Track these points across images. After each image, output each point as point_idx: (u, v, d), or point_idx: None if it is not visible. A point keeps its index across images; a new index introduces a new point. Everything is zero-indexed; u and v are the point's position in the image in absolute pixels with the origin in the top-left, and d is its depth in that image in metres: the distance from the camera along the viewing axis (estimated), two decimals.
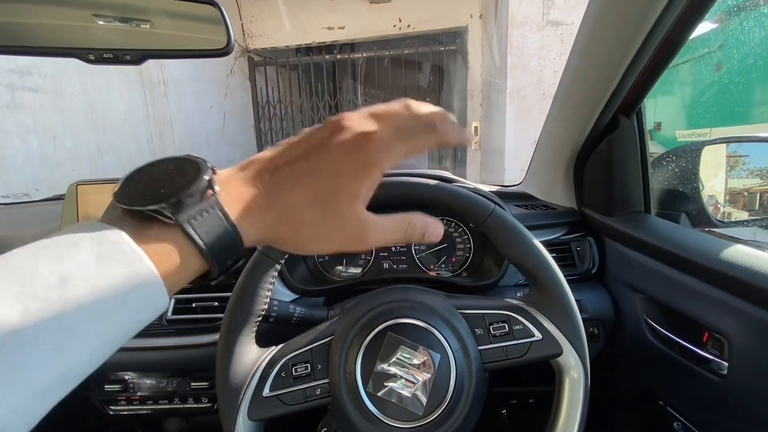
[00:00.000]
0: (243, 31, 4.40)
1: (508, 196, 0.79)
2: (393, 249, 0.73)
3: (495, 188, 0.83)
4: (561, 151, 0.69)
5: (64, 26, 0.45)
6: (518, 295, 0.57)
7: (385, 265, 0.73)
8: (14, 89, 2.26)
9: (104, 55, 0.46)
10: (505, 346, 0.41)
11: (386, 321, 0.41)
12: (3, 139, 2.21)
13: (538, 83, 2.81)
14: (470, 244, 0.72)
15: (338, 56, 4.36)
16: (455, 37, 4.34)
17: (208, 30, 0.50)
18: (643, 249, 0.58)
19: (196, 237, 0.21)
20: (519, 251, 0.42)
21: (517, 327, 0.41)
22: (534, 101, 2.82)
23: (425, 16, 4.17)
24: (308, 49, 4.53)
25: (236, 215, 0.22)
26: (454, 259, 0.72)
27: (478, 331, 0.42)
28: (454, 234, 0.72)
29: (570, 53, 0.58)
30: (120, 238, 0.19)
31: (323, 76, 4.53)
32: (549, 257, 0.42)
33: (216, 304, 0.59)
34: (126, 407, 0.61)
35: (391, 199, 0.45)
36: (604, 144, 0.62)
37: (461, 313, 0.43)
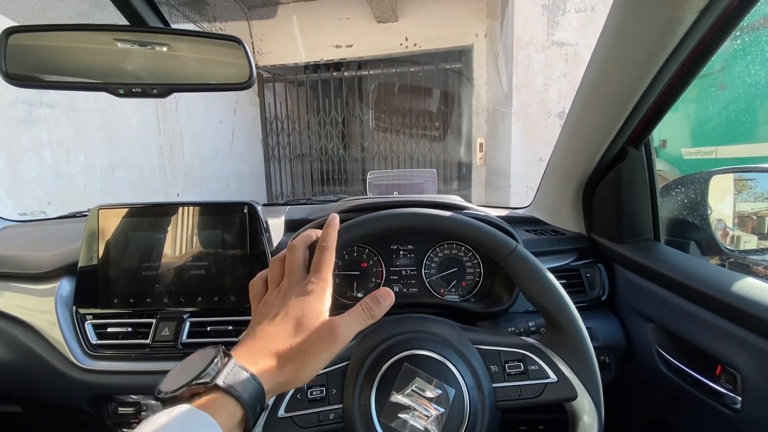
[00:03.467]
0: (253, 48, 4.52)
1: (516, 221, 0.80)
2: (403, 272, 0.74)
3: (504, 212, 0.84)
4: (570, 177, 0.70)
5: (98, 64, 0.48)
6: (530, 324, 0.57)
7: (396, 289, 0.74)
8: (32, 105, 2.32)
9: (133, 90, 0.49)
10: (519, 385, 0.41)
11: (402, 351, 0.42)
12: (19, 154, 2.26)
13: (543, 102, 2.85)
14: (480, 269, 0.72)
15: (345, 73, 4.45)
16: (461, 55, 4.42)
17: (230, 65, 0.52)
18: (653, 277, 0.59)
19: (230, 389, 0.28)
20: (538, 291, 0.43)
21: (533, 367, 0.42)
22: (539, 119, 2.85)
23: (431, 35, 4.26)
24: (316, 66, 4.63)
25: (254, 369, 0.30)
26: (464, 284, 0.73)
27: (493, 368, 0.42)
28: (464, 258, 0.73)
29: (581, 83, 0.59)
30: (183, 407, 0.26)
31: (331, 92, 4.62)
32: (568, 299, 0.43)
33: (230, 328, 0.60)
34: None
35: (411, 230, 0.46)
36: (613, 173, 0.63)
37: (477, 348, 0.44)
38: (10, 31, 0.45)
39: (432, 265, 0.74)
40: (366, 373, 0.41)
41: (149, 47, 0.49)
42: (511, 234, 0.60)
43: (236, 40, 0.51)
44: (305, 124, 4.78)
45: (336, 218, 0.40)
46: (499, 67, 3.42)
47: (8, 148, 2.21)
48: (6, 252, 0.69)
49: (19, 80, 0.46)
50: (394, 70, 4.37)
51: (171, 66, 0.50)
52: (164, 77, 0.50)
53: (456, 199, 0.75)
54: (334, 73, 4.50)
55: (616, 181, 0.63)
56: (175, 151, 3.49)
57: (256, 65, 4.23)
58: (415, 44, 4.34)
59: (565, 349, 0.42)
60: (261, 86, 4.63)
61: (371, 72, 4.44)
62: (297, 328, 0.33)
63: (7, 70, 0.45)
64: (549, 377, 0.41)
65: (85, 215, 1.07)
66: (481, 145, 4.33)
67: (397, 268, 0.74)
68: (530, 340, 0.45)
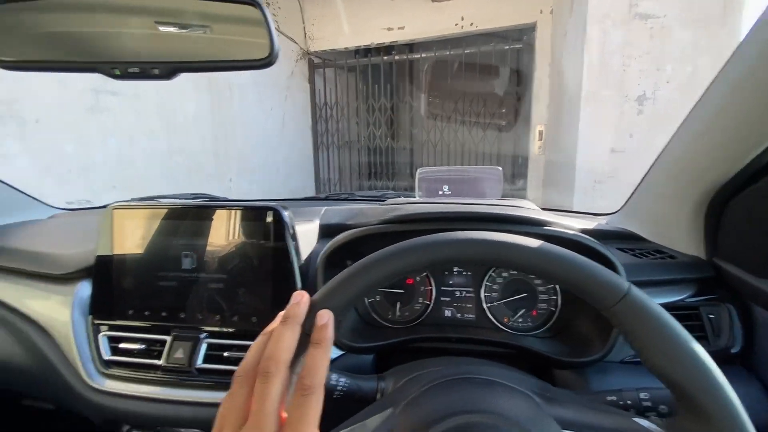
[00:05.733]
0: (305, 33, 4.49)
1: (605, 236, 0.63)
2: (457, 294, 0.61)
3: (587, 222, 0.67)
4: (694, 182, 0.52)
5: (87, 39, 0.39)
6: (642, 396, 0.41)
7: (447, 313, 0.61)
8: (98, 93, 2.44)
9: (129, 70, 0.39)
10: None
11: None
12: (87, 140, 2.40)
13: (620, 84, 2.49)
14: (557, 296, 0.57)
15: (396, 57, 4.27)
16: (522, 34, 4.07)
17: (247, 37, 0.41)
18: None
19: None
20: (669, 357, 0.28)
21: None
22: (614, 105, 2.50)
23: (490, 14, 3.95)
24: (367, 51, 4.50)
25: None
26: (534, 313, 0.58)
27: None
28: (536, 282, 0.58)
29: (736, 53, 0.41)
30: None
31: (381, 77, 4.49)
32: (719, 374, 0.28)
33: None
34: None
35: (466, 262, 0.33)
36: None
37: None
38: None
39: (494, 287, 0.60)
40: None
41: (148, 17, 0.39)
42: (614, 268, 0.45)
43: (253, 3, 0.40)
44: (354, 110, 4.70)
45: (327, 315, 0.30)
46: (568, 45, 3.06)
47: (77, 134, 2.34)
48: (33, 248, 0.66)
49: (8, 64, 0.39)
50: (447, 53, 4.13)
51: (175, 40, 0.40)
52: (167, 54, 0.40)
53: (527, 205, 0.60)
54: (385, 57, 4.35)
55: None
56: (228, 137, 3.57)
57: (306, 51, 4.20)
58: (471, 24, 4.07)
59: None
60: (312, 72, 4.61)
61: (423, 55, 4.23)
62: None
63: None
64: None
65: None
66: (540, 132, 3.99)
67: (450, 288, 0.61)
68: (650, 426, 0.31)
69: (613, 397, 0.38)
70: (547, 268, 0.30)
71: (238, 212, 0.53)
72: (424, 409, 0.32)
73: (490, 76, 4.44)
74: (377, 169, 4.80)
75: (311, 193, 4.75)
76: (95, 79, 2.10)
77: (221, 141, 3.49)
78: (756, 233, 0.48)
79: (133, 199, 1.06)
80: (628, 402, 0.37)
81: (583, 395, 0.39)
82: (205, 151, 3.32)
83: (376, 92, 4.49)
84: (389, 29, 4.24)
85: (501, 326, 0.58)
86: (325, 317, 0.30)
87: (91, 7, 0.39)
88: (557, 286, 0.57)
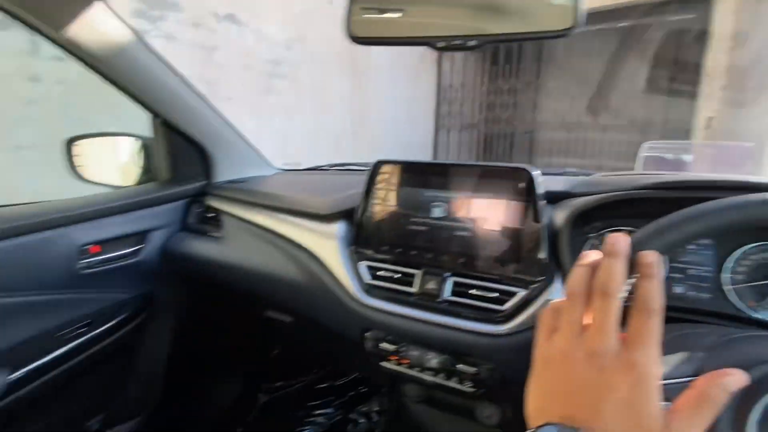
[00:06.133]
0: None
1: None
2: (691, 271, 0.59)
3: None
4: None
5: (423, 17, 0.49)
6: None
7: (677, 290, 0.60)
8: (271, 77, 2.86)
9: (453, 42, 0.48)
10: None
11: None
12: (260, 116, 2.84)
13: None
14: None
15: None
16: (692, 4, 3.43)
17: (552, 6, 0.46)
18: None
19: None
20: None
21: None
22: None
23: None
24: None
25: None
26: None
27: None
28: None
29: None
30: None
31: (513, 58, 4.30)
32: None
33: (495, 295, 0.59)
34: (394, 367, 0.68)
35: None
36: None
37: None
38: None
39: (739, 269, 0.56)
40: (737, 405, 0.32)
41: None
42: None
43: None
44: (478, 92, 4.61)
45: (655, 254, 0.32)
46: (762, 11, 2.48)
47: (255, 112, 2.79)
48: (293, 194, 0.84)
49: (360, 40, 0.51)
50: (597, 28, 3.72)
51: (489, 16, 0.48)
52: (480, 28, 0.48)
53: None
54: None
55: None
56: (364, 119, 3.84)
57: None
58: None
59: None
60: (440, 54, 4.62)
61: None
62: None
63: (353, 33, 0.50)
64: None
65: (325, 169, 1.24)
66: (709, 120, 3.37)
67: (683, 265, 0.60)
68: None
69: None
70: None
71: (490, 170, 0.61)
72: (740, 352, 0.34)
73: (645, 53, 3.86)
74: (497, 152, 4.67)
75: None
76: (267, 64, 2.46)
77: (357, 122, 3.78)
78: None
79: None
80: None
81: None
82: (344, 130, 3.63)
83: (506, 73, 4.34)
84: None
85: (743, 309, 0.56)
86: (653, 256, 0.33)
87: None
88: None
